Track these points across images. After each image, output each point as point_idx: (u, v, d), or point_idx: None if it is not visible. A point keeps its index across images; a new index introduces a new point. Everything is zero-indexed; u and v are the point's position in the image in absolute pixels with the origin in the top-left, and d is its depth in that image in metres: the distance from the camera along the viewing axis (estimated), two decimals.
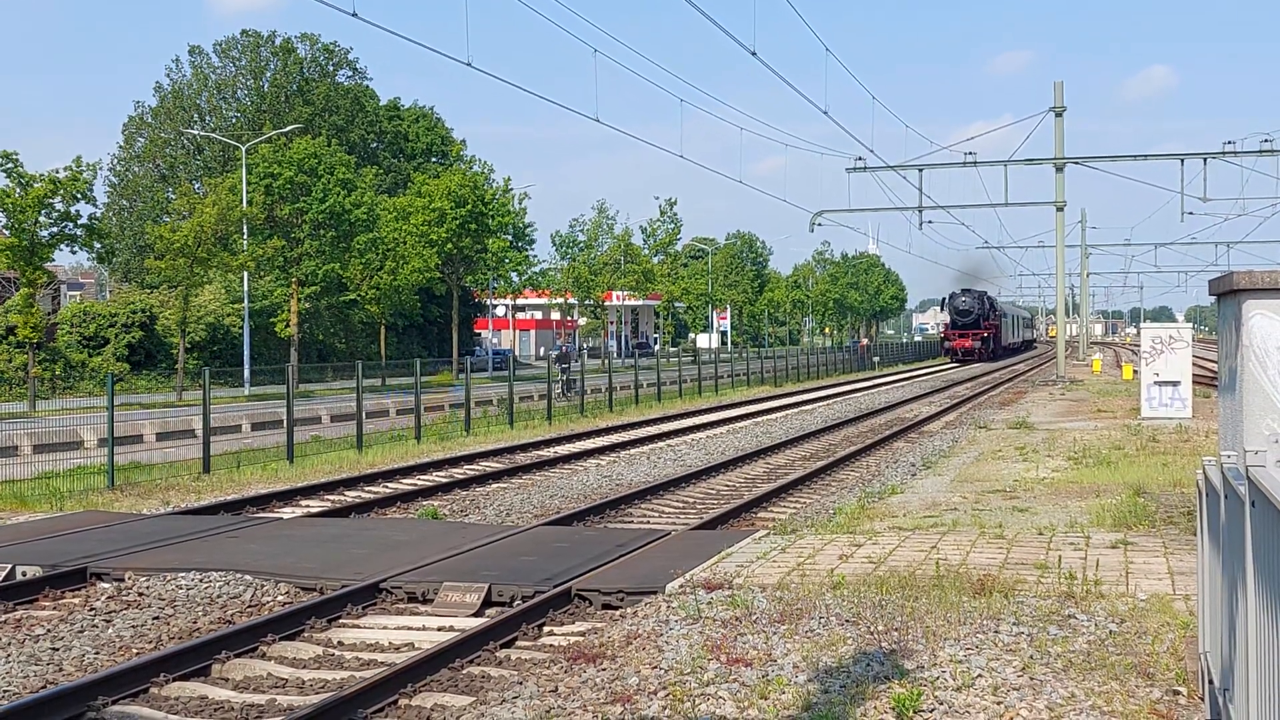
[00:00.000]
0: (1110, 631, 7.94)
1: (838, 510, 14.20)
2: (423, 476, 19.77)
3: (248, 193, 49.63)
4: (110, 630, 9.39)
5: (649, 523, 15.18)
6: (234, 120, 75.41)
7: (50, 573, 10.95)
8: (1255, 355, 6.24)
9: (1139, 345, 34.68)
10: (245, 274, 48.80)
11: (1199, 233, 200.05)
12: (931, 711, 6.58)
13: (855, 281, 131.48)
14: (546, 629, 9.33)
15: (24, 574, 11.15)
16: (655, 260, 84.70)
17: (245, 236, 47.98)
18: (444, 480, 18.93)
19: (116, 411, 20.01)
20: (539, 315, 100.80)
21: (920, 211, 47.95)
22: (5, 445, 22.42)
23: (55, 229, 38.56)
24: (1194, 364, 28.65)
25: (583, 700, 7.00)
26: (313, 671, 8.40)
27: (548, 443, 25.33)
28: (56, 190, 37.77)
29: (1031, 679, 7.04)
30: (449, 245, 60.08)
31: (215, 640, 8.67)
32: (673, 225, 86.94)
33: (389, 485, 18.66)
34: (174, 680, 8.05)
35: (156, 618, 9.74)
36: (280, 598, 10.40)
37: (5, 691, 7.93)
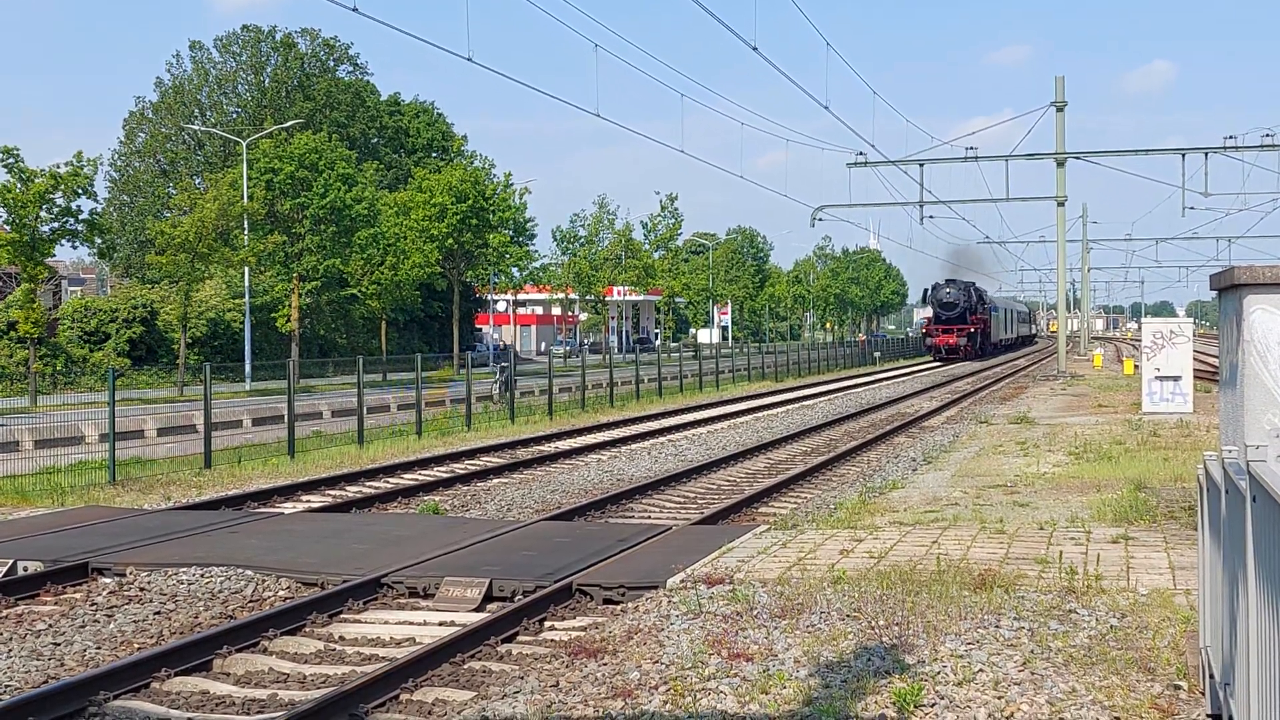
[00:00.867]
0: (1111, 626, 7.94)
1: (839, 505, 14.20)
2: (424, 471, 19.79)
3: (249, 188, 49.58)
4: (112, 625, 9.40)
5: (650, 518, 15.19)
6: (235, 115, 75.31)
7: (52, 568, 10.97)
8: (1256, 350, 6.23)
9: (1140, 340, 34.67)
10: (246, 269, 48.81)
11: (1200, 227, 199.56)
12: (932, 706, 6.59)
13: (856, 277, 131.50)
14: (548, 624, 9.34)
15: (25, 569, 11.16)
16: (656, 255, 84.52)
17: (246, 232, 47.93)
18: (445, 475, 18.95)
19: (118, 407, 20.01)
20: (540, 310, 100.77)
21: (921, 206, 47.88)
22: (6, 440, 22.43)
23: (56, 224, 38.47)
24: (1195, 359, 28.61)
25: (584, 695, 7.01)
26: (314, 666, 8.41)
27: (549, 438, 25.35)
28: (58, 185, 37.70)
29: (1032, 673, 7.05)
30: (450, 240, 60.12)
31: (217, 635, 8.69)
32: (673, 220, 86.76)
33: (390, 480, 18.68)
34: (176, 675, 8.06)
35: (158, 613, 9.75)
36: (281, 593, 10.42)
37: (7, 687, 7.94)
